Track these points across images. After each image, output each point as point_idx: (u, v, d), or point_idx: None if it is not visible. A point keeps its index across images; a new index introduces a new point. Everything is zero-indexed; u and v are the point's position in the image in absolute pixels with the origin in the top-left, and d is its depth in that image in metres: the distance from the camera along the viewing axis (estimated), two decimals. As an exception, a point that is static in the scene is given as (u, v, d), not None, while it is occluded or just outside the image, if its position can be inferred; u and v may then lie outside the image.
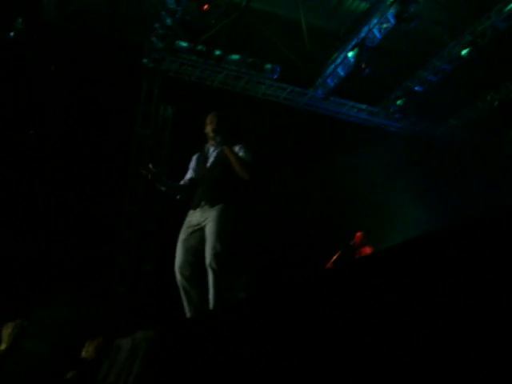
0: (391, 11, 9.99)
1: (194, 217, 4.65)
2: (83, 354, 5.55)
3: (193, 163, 5.02)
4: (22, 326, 4.88)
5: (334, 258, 7.96)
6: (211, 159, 4.86)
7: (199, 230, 4.58)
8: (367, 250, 7.98)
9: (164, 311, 8.75)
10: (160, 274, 10.22)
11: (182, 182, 4.99)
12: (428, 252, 1.59)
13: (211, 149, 4.92)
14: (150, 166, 4.74)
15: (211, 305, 4.37)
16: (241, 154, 4.70)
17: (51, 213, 9.87)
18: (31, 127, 10.40)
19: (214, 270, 4.37)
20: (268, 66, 11.41)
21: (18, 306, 7.66)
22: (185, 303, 4.55)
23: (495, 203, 10.03)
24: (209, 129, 4.86)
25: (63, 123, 10.35)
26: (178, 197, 4.97)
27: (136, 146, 11.18)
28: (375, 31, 10.53)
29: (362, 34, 10.62)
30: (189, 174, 5.00)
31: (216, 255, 4.37)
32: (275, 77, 11.64)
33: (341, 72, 11.62)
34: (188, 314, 4.51)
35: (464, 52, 10.73)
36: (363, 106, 12.84)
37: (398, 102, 12.40)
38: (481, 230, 1.43)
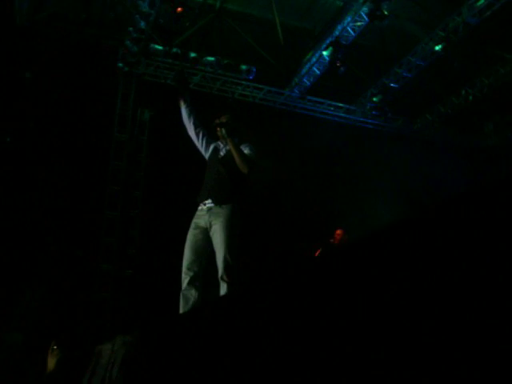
0: (364, 9, 10.06)
1: (201, 219, 4.68)
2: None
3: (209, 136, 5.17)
4: None
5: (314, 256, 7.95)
6: (222, 153, 4.96)
7: (206, 232, 4.61)
8: (347, 248, 7.97)
9: (145, 315, 8.74)
10: (141, 279, 10.21)
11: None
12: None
13: (221, 145, 5.05)
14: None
15: None
16: (245, 150, 4.81)
17: (31, 220, 9.80)
18: (8, 135, 10.32)
19: (227, 283, 4.38)
20: (244, 67, 11.41)
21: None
22: (181, 303, 4.55)
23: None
24: (216, 122, 5.00)
25: (40, 130, 10.28)
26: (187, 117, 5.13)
27: (114, 151, 11.12)
28: (349, 29, 10.59)
29: (337, 33, 10.67)
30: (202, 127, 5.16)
31: (227, 267, 4.38)
32: (251, 77, 11.65)
33: (316, 71, 11.68)
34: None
35: (437, 48, 10.83)
36: (340, 104, 12.89)
37: (375, 99, 12.47)
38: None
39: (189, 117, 5.10)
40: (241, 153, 4.74)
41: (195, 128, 5.09)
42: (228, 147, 4.88)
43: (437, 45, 10.82)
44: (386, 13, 9.83)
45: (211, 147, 5.08)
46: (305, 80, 12.01)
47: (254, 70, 11.49)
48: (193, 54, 11.08)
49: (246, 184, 4.79)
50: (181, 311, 4.53)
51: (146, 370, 3.26)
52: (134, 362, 3.50)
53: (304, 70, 11.76)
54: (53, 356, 5.26)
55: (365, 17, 10.22)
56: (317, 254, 7.91)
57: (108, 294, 10.14)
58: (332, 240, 8.06)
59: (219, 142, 5.08)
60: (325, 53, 10.97)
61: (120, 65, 11.15)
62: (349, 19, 10.41)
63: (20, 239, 9.58)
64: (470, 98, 12.57)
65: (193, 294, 4.51)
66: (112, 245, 10.53)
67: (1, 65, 10.06)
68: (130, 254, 10.68)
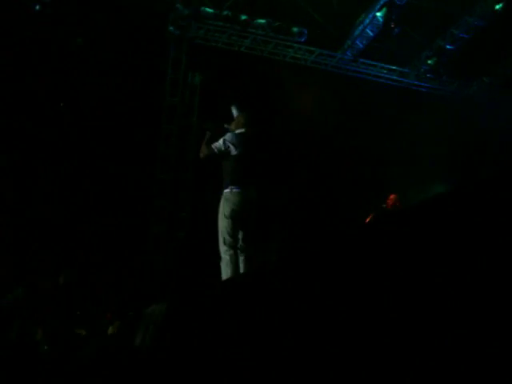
0: (420, -33, 9.73)
1: None
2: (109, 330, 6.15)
3: None
4: None
5: (366, 221, 7.84)
6: None
7: None
8: (400, 213, 7.82)
9: (195, 277, 8.90)
10: (194, 240, 10.35)
11: None
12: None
13: None
14: None
15: None
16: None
17: (84, 184, 10.03)
18: (61, 100, 10.51)
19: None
20: (295, 29, 11.22)
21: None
22: None
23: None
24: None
25: (93, 94, 10.42)
26: None
27: (166, 115, 11.21)
28: (404, -11, 10.28)
29: (391, -7, 10.37)
30: None
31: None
32: (303, 40, 11.46)
33: (370, 33, 11.36)
34: None
35: (498, 6, 10.38)
36: (393, 67, 12.58)
37: (429, 62, 12.11)
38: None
39: None
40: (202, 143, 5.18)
41: None
42: None
43: (497, 3, 10.37)
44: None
45: None
46: (357, 42, 11.73)
47: (306, 32, 11.30)
48: (243, 17, 10.95)
49: (230, 170, 5.04)
50: None
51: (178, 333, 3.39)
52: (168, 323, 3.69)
53: (357, 32, 11.48)
54: (114, 326, 5.92)
55: (420, -25, 9.89)
56: (368, 219, 7.80)
57: (160, 257, 10.35)
58: (384, 205, 7.91)
59: None
60: (378, 14, 10.67)
61: (171, 29, 11.13)
62: (404, -22, 10.10)
63: (73, 203, 9.85)
64: (530, 59, 12.08)
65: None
66: (164, 207, 10.70)
67: (52, 32, 10.18)
68: (181, 216, 10.84)
